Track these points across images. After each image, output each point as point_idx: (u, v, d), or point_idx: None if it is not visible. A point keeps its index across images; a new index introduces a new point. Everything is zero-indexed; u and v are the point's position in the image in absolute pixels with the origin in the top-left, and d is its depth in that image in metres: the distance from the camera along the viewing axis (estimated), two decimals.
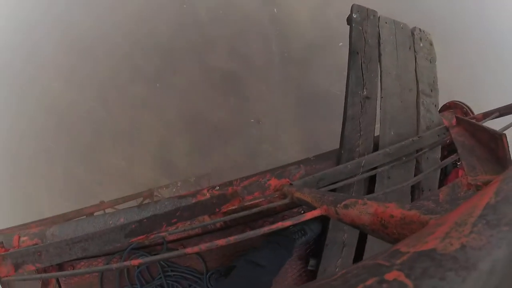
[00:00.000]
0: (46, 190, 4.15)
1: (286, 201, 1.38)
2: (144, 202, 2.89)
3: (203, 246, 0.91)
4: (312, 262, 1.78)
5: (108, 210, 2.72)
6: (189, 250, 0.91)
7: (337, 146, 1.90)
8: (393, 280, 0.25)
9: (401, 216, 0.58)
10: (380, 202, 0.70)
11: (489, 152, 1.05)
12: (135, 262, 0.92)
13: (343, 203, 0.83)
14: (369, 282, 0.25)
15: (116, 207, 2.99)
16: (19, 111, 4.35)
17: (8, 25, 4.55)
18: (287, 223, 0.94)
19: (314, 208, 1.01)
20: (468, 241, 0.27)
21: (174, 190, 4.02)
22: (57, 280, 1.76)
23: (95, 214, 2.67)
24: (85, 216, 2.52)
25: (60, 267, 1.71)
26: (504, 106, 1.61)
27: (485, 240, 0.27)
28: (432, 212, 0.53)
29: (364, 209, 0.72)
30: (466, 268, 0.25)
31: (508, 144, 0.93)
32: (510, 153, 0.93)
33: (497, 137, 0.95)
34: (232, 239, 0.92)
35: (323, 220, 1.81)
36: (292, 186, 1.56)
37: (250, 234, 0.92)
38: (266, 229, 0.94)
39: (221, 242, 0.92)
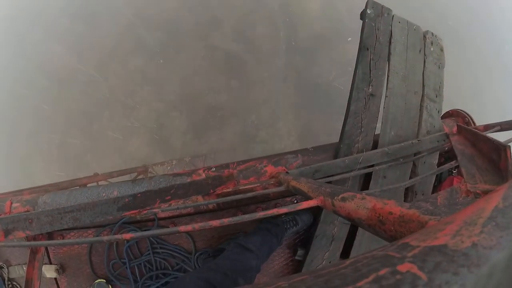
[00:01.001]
0: (41, 157, 4.13)
1: (282, 188, 1.39)
2: (138, 178, 2.89)
3: (196, 226, 0.92)
4: (300, 252, 1.80)
5: (102, 183, 2.72)
6: (182, 228, 0.91)
7: (332, 140, 1.90)
8: (406, 272, 0.25)
9: (400, 214, 0.58)
10: (379, 198, 0.71)
11: (489, 163, 1.06)
12: (126, 236, 0.93)
13: (341, 195, 0.83)
14: (382, 272, 0.25)
15: (109, 180, 2.99)
16: (20, 72, 4.29)
17: None
18: (282, 210, 0.95)
19: (310, 198, 1.02)
20: (479, 240, 0.28)
21: (168, 168, 4.02)
22: (46, 249, 1.77)
23: (88, 185, 2.67)
24: (78, 187, 2.52)
25: (50, 236, 1.71)
26: (506, 121, 1.62)
27: (495, 240, 0.28)
28: (431, 214, 0.53)
29: (362, 204, 0.73)
30: (478, 266, 0.25)
31: (511, 157, 0.94)
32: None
33: (501, 149, 0.96)
34: (226, 221, 0.92)
35: (314, 212, 1.82)
36: (288, 175, 1.56)
37: (245, 217, 0.93)
38: (261, 214, 0.94)
39: (215, 223, 0.92)
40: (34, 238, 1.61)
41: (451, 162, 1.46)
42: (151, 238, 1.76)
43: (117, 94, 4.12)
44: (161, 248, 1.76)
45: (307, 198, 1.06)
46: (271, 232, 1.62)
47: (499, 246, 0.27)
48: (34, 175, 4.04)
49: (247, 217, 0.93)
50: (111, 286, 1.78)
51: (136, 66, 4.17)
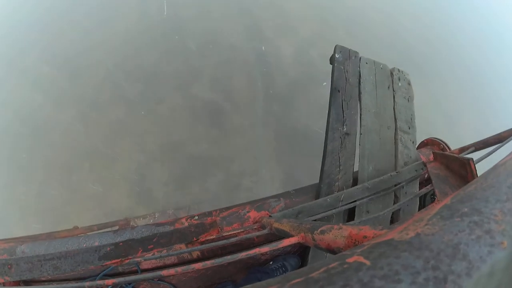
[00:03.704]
0: (17, 208, 3.95)
1: (265, 231, 1.38)
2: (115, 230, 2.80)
3: (179, 269, 0.90)
4: None
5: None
6: (165, 272, 0.89)
7: (315, 182, 1.92)
8: (353, 262, 0.26)
9: (373, 236, 0.60)
10: (355, 226, 0.72)
11: (460, 180, 1.10)
12: (109, 282, 0.90)
13: (320, 229, 0.84)
14: (332, 265, 0.26)
15: (89, 233, 2.88)
16: None
17: None
18: (264, 249, 0.94)
19: (291, 237, 1.02)
20: (422, 231, 0.31)
21: (151, 220, 3.90)
22: None
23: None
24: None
25: (27, 285, 1.62)
26: (480, 140, 1.69)
27: (438, 228, 0.31)
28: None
29: (339, 233, 0.74)
30: (419, 249, 0.27)
31: (476, 169, 0.98)
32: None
33: (465, 162, 1.01)
34: (209, 263, 0.91)
35: (301, 255, 1.80)
36: (271, 218, 1.56)
37: (227, 258, 0.92)
38: (243, 254, 0.93)
39: (198, 265, 0.91)
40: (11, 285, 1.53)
41: (427, 186, 1.50)
42: None
43: (97, 145, 4.09)
44: None
45: (289, 237, 1.06)
46: (261, 281, 1.57)
47: (441, 232, 0.29)
48: (10, 227, 3.84)
49: (229, 258, 0.91)
50: None
51: (117, 117, 4.20)
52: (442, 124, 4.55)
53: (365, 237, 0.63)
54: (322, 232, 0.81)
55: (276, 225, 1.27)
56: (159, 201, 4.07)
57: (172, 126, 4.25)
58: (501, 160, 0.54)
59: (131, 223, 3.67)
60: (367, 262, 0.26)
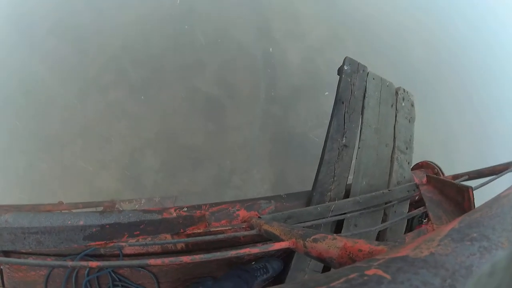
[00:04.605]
0: (4, 175, 3.90)
1: (253, 232, 1.38)
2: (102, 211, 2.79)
3: (166, 260, 0.89)
4: None
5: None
6: (152, 261, 0.88)
7: (305, 189, 1.93)
8: (373, 275, 0.27)
9: (369, 250, 0.60)
10: (349, 238, 0.73)
11: (454, 205, 1.12)
12: (93, 264, 0.89)
13: (313, 237, 0.84)
14: (351, 276, 0.27)
15: (74, 210, 2.85)
16: None
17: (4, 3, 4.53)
18: (255, 250, 0.94)
19: (280, 241, 1.02)
20: (436, 250, 0.33)
21: (137, 206, 3.88)
22: (1, 272, 1.64)
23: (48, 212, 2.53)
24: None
25: (7, 256, 1.60)
26: (474, 170, 1.72)
27: (451, 249, 0.33)
28: None
29: (333, 243, 0.74)
30: (435, 268, 0.28)
31: (473, 197, 1.00)
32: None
33: (464, 190, 1.02)
34: (197, 257, 0.90)
35: (285, 259, 1.80)
36: (260, 219, 1.56)
37: (217, 255, 0.91)
38: (233, 252, 0.93)
39: (186, 259, 0.90)
40: None
41: (420, 208, 1.52)
42: (113, 274, 1.65)
43: (93, 124, 4.05)
44: (122, 286, 1.66)
45: (279, 241, 1.06)
46: (242, 279, 1.58)
47: (454, 253, 0.30)
48: None
49: (219, 255, 0.91)
50: None
51: (116, 99, 4.16)
52: (438, 148, 4.60)
53: (360, 250, 0.63)
54: (315, 240, 0.82)
55: (266, 227, 1.27)
56: (147, 188, 4.05)
57: (170, 115, 4.23)
58: (503, 192, 0.56)
59: (117, 206, 3.65)
60: (387, 276, 0.27)
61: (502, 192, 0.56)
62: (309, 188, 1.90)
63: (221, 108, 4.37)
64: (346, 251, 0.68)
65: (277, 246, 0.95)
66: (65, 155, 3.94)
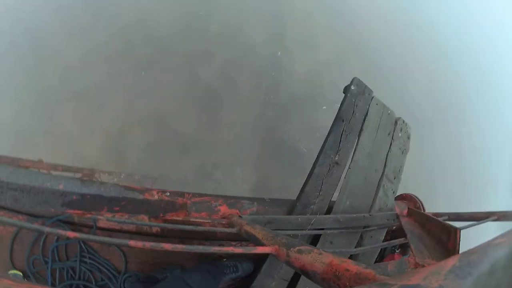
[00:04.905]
0: None
1: (233, 231, 1.37)
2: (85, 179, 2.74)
3: (147, 244, 0.87)
4: None
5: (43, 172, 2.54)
6: (132, 243, 0.86)
7: (284, 197, 1.95)
8: None
9: (356, 272, 0.61)
10: (336, 255, 0.73)
11: (437, 243, 1.14)
12: (71, 234, 0.86)
13: (297, 247, 0.85)
14: None
15: (53, 172, 2.79)
16: (4, 33, 4.08)
17: None
18: (238, 250, 0.94)
19: (261, 245, 1.02)
20: (444, 284, 0.35)
21: (115, 179, 3.83)
22: None
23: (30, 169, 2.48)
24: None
25: None
26: (454, 212, 1.75)
27: (457, 285, 0.35)
28: (386, 275, 0.57)
29: (319, 258, 0.75)
30: None
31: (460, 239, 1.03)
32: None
33: (452, 230, 1.05)
34: (179, 247, 0.89)
35: (256, 263, 1.80)
36: (242, 219, 1.56)
37: (200, 248, 0.90)
38: (215, 248, 0.92)
39: (168, 246, 0.89)
40: None
41: (400, 239, 1.55)
42: (82, 245, 1.63)
43: (89, 90, 3.98)
44: (90, 258, 1.63)
45: (259, 245, 1.06)
46: (211, 274, 1.58)
47: None
48: None
49: (202, 248, 0.90)
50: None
51: (118, 70, 4.11)
52: (421, 181, 4.69)
53: (347, 270, 0.64)
54: (300, 252, 0.82)
55: (247, 228, 1.26)
56: (129, 164, 4.00)
57: (166, 97, 4.20)
58: (495, 239, 0.57)
59: (96, 175, 3.59)
60: None
61: (494, 240, 0.57)
62: (288, 197, 1.92)
63: (219, 101, 4.35)
64: (332, 268, 0.68)
65: (259, 250, 0.95)
66: (56, 114, 3.87)
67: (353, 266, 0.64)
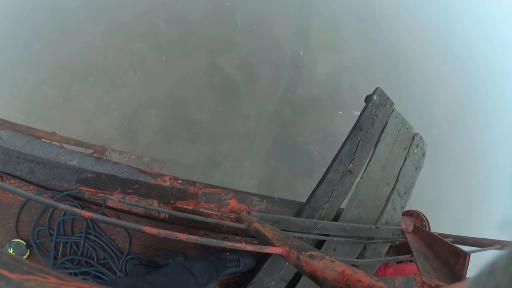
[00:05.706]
0: (10, 92, 3.84)
1: (242, 226, 1.38)
2: (99, 157, 2.77)
3: (162, 232, 0.89)
4: None
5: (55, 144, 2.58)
6: (147, 229, 0.87)
7: (290, 197, 1.96)
8: None
9: (368, 284, 0.62)
10: (348, 265, 0.74)
11: (443, 264, 1.14)
12: (87, 213, 0.87)
13: (309, 252, 0.85)
14: None
15: (64, 145, 2.84)
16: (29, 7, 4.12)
17: None
18: (249, 247, 0.95)
19: (271, 244, 1.03)
20: None
21: (125, 159, 3.88)
22: None
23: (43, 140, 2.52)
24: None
25: None
26: (459, 235, 1.75)
27: None
28: None
29: (331, 266, 0.75)
30: None
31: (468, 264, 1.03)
32: None
33: (461, 255, 1.04)
34: (193, 238, 0.90)
35: (258, 260, 1.81)
36: (252, 215, 1.57)
37: (214, 242, 0.92)
38: (228, 243, 0.94)
39: (182, 236, 0.90)
40: None
41: (407, 255, 1.54)
42: (89, 222, 1.65)
43: (109, 67, 4.02)
44: (95, 235, 1.65)
45: (268, 244, 1.07)
46: (213, 265, 1.59)
47: None
48: None
49: (215, 242, 0.91)
50: (29, 252, 1.62)
51: (140, 50, 4.13)
52: (430, 201, 4.66)
53: (359, 281, 0.65)
54: (311, 257, 0.82)
55: (257, 225, 1.27)
56: (140, 145, 4.05)
57: (184, 83, 4.22)
58: None
59: (106, 153, 3.64)
60: None
61: None
62: (293, 196, 1.93)
63: (236, 93, 4.37)
64: (344, 277, 0.69)
65: (270, 250, 0.95)
66: (73, 88, 3.91)
67: (365, 278, 0.65)
